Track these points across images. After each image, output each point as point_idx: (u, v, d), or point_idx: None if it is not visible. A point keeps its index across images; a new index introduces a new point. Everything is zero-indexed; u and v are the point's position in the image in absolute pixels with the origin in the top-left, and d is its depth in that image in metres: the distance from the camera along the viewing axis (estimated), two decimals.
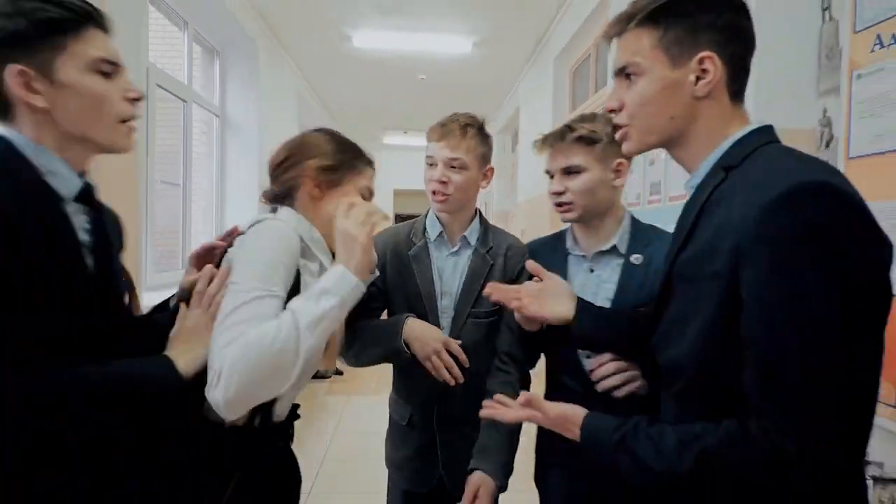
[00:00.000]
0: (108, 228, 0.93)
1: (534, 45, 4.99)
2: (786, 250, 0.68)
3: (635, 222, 1.34)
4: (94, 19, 0.86)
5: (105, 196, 0.97)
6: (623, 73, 0.88)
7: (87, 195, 0.88)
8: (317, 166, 1.10)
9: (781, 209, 0.69)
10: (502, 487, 1.26)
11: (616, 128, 0.93)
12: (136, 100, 0.91)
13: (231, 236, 1.08)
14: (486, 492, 1.20)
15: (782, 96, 1.89)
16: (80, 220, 0.87)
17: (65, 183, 0.85)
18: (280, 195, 1.13)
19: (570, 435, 0.89)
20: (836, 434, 0.68)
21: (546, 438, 1.32)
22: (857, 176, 1.62)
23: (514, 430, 1.27)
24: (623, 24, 0.88)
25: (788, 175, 0.72)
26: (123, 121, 0.90)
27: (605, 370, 1.16)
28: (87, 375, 0.82)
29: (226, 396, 0.84)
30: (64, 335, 0.81)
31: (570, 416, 0.89)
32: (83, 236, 0.87)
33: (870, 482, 1.64)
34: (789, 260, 0.68)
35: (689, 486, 0.75)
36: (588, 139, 1.22)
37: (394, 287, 1.46)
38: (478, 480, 1.21)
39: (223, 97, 4.48)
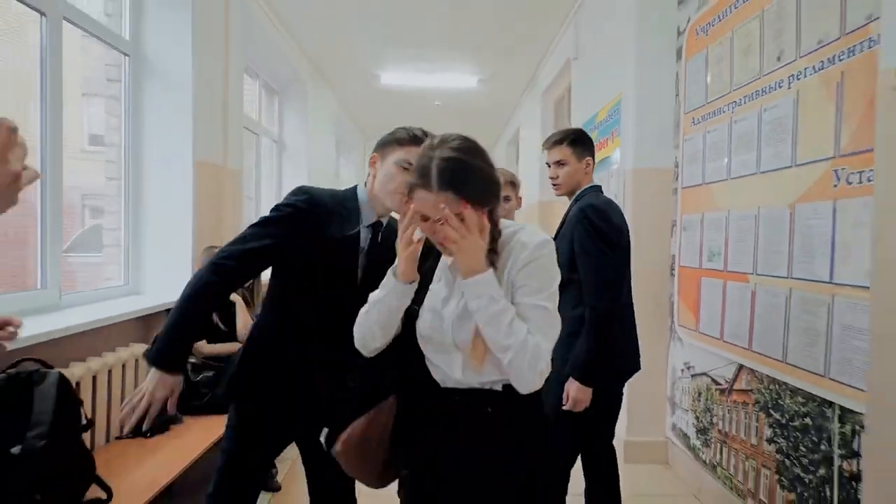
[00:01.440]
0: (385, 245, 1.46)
1: (526, 82, 6.17)
2: (580, 230, 1.85)
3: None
4: (415, 140, 1.40)
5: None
6: (559, 163, 2.03)
7: (374, 226, 1.47)
8: None
9: (580, 211, 1.86)
10: None
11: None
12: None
13: None
14: None
15: (655, 147, 3.03)
16: (366, 236, 1.47)
17: (366, 217, 1.46)
18: None
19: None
20: (611, 301, 1.82)
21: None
22: (687, 197, 2.77)
23: None
24: (556, 143, 2.03)
25: (588, 201, 1.90)
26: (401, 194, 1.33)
27: None
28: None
29: None
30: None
31: None
32: (364, 245, 1.46)
33: (689, 378, 2.77)
34: (582, 234, 1.84)
35: None
36: (513, 182, 2.35)
37: None
38: None
39: (281, 127, 5.72)
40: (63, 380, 1.71)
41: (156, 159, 3.08)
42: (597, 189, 2.01)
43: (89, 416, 2.13)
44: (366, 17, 4.61)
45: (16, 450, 1.55)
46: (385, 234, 1.50)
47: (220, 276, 1.38)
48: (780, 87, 2.03)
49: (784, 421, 2.01)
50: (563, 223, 2.02)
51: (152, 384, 1.32)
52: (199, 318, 1.40)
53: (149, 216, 3.09)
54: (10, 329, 0.79)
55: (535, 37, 4.88)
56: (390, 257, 1.22)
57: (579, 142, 2.01)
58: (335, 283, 1.43)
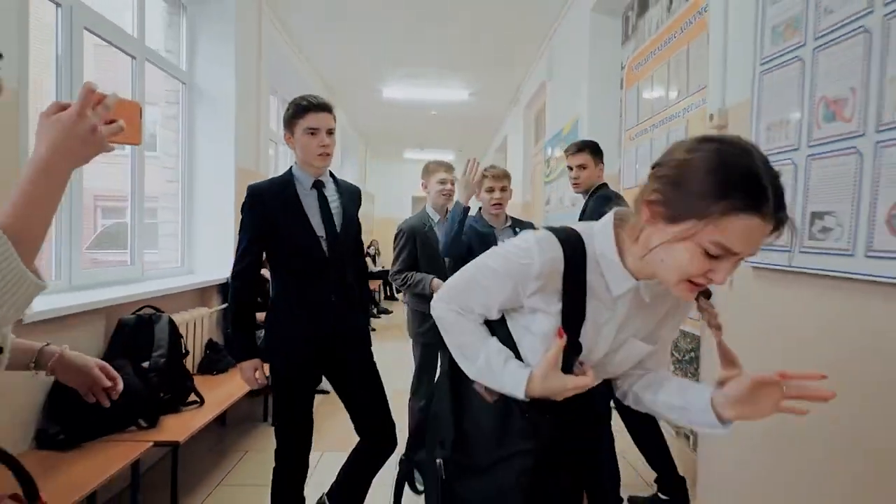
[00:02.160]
0: (340, 202, 1.84)
1: (510, 97, 6.95)
2: (610, 207, 2.57)
3: (512, 218, 3.19)
4: (314, 107, 1.72)
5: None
6: (580, 167, 2.74)
7: (316, 186, 1.79)
8: None
9: (604, 198, 2.51)
10: None
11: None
12: (325, 146, 1.73)
13: None
14: None
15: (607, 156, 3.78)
16: (311, 199, 1.78)
17: (305, 182, 1.78)
18: None
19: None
20: None
21: None
22: (627, 197, 3.53)
23: None
24: (579, 150, 2.71)
25: (605, 193, 2.58)
26: (319, 155, 1.74)
27: None
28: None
29: None
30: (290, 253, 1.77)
31: None
32: (310, 204, 1.77)
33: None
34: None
35: None
36: (507, 175, 3.04)
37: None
38: None
39: None
40: (171, 321, 2.47)
41: (205, 166, 3.84)
42: (606, 185, 2.60)
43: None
44: (370, 41, 5.38)
45: (146, 364, 2.32)
46: (340, 191, 1.89)
47: (239, 280, 1.80)
48: (678, 116, 2.81)
49: (680, 357, 2.78)
50: (582, 213, 2.56)
51: (241, 372, 1.80)
52: (244, 316, 1.79)
53: (200, 211, 3.85)
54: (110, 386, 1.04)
55: (516, 60, 5.66)
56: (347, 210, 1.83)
57: (598, 150, 2.63)
58: (296, 235, 1.76)
